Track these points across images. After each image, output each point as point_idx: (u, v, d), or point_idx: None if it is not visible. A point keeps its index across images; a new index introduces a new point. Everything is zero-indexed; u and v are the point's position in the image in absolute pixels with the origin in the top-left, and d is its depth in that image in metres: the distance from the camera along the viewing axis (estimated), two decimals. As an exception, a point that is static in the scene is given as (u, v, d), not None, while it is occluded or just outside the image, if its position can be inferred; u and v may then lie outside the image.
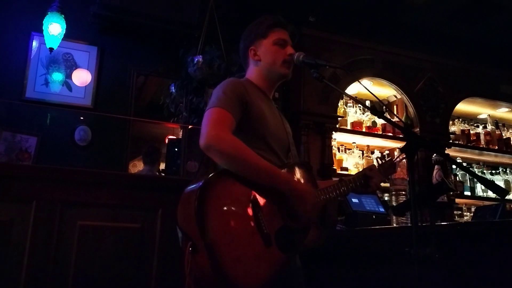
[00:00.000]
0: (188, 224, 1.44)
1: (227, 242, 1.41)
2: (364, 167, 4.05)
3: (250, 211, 1.50)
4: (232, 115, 1.59)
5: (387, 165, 1.93)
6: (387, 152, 4.31)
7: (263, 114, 1.70)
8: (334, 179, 1.89)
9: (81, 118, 3.63)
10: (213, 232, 1.39)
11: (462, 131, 4.61)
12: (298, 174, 1.70)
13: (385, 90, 4.37)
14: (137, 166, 4.22)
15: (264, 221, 1.50)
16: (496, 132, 4.73)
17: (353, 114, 4.22)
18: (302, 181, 1.69)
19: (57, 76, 3.61)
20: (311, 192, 1.63)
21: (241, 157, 1.51)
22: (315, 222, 1.67)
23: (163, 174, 3.95)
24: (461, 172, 4.50)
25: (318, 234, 1.66)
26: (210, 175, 1.49)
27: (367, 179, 1.83)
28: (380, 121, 4.20)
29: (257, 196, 1.54)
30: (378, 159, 1.97)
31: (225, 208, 1.47)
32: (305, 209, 1.59)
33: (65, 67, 3.65)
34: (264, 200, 1.55)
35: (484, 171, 4.70)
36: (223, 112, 1.58)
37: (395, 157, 1.97)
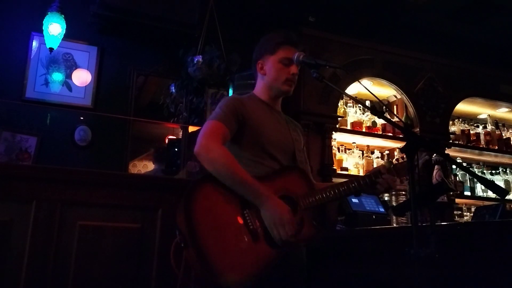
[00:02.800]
0: (179, 220, 1.54)
1: (212, 237, 1.51)
2: (364, 167, 4.06)
3: (237, 208, 1.61)
4: (227, 127, 1.72)
5: (400, 166, 1.88)
6: (387, 152, 4.31)
7: (261, 125, 1.81)
8: (334, 181, 1.89)
9: (81, 118, 3.63)
10: (199, 227, 1.51)
11: (462, 131, 4.61)
12: (289, 178, 1.75)
13: (385, 90, 4.37)
14: (137, 166, 4.22)
15: (250, 217, 1.60)
16: (496, 132, 4.73)
17: (353, 114, 4.21)
18: (292, 185, 1.73)
19: (57, 76, 3.61)
20: (284, 214, 1.60)
21: (225, 167, 1.63)
22: (309, 215, 1.70)
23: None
24: (461, 172, 4.50)
25: (312, 232, 1.68)
26: (202, 175, 1.65)
27: (376, 177, 1.77)
28: (380, 121, 4.20)
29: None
30: (391, 160, 1.94)
31: (212, 205, 1.59)
32: (277, 231, 1.58)
33: (65, 67, 3.65)
34: None
35: (484, 171, 4.70)
36: (217, 124, 1.72)
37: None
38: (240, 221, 1.59)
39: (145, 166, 4.08)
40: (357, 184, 1.75)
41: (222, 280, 1.46)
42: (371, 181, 1.77)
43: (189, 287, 1.58)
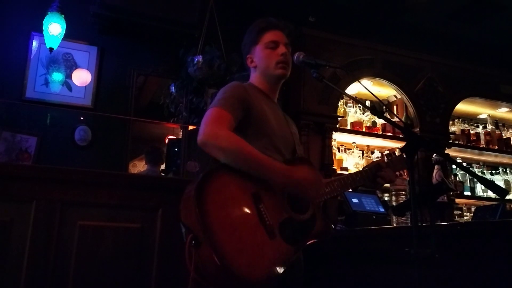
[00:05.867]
0: (190, 218, 1.46)
1: (228, 234, 1.42)
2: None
3: (251, 203, 1.52)
4: (231, 114, 1.62)
5: (396, 160, 1.93)
6: (387, 152, 4.30)
7: (265, 115, 1.73)
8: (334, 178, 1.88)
9: (81, 118, 3.63)
10: (213, 225, 1.41)
11: (462, 131, 4.61)
12: (301, 167, 1.70)
13: (385, 90, 4.37)
14: (137, 166, 4.22)
15: (266, 213, 1.52)
16: (496, 132, 4.73)
17: (353, 114, 4.21)
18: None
19: (57, 76, 3.61)
20: (310, 176, 1.63)
21: (237, 150, 1.54)
22: (320, 210, 1.68)
23: (163, 174, 3.95)
24: (461, 172, 4.50)
25: (325, 225, 1.67)
26: (209, 168, 1.52)
27: (376, 173, 1.83)
28: (380, 121, 4.20)
29: (259, 189, 1.56)
30: (386, 155, 1.96)
31: (225, 200, 1.49)
32: (307, 193, 1.60)
33: (65, 67, 3.65)
34: (266, 193, 1.56)
35: (484, 171, 4.70)
36: (221, 111, 1.62)
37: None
38: (256, 216, 1.50)
39: (145, 166, 4.08)
40: (361, 177, 1.81)
41: (239, 280, 1.38)
42: (373, 175, 1.83)
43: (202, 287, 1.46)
